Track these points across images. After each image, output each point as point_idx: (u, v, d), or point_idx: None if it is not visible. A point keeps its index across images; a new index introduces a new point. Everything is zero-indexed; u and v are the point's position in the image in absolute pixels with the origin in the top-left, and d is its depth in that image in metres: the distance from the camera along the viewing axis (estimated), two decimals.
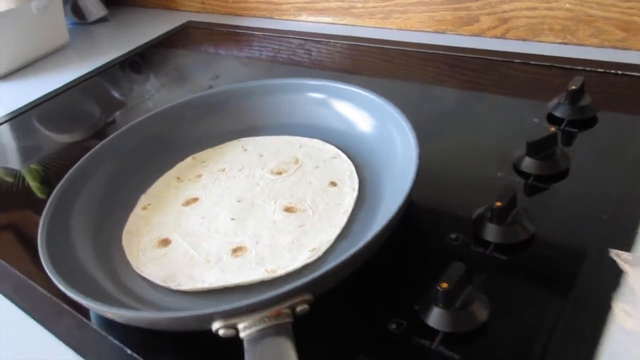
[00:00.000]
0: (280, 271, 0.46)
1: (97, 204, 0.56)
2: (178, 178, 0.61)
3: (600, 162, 0.52)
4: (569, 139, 0.56)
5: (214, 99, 0.68)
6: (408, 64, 0.82)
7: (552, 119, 0.60)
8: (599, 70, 0.67)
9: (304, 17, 1.01)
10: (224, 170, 0.61)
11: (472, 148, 0.59)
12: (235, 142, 0.66)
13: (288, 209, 0.53)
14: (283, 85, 0.66)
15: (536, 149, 0.51)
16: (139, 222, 0.56)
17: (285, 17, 1.04)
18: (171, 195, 0.59)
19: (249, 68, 0.90)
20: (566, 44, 0.74)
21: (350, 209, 0.51)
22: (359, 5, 0.92)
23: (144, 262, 0.50)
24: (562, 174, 0.51)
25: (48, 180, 0.71)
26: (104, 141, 0.61)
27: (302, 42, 0.95)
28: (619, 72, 0.65)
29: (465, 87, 0.73)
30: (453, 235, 0.47)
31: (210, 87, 0.85)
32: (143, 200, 0.59)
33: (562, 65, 0.70)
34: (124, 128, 0.63)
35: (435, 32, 0.86)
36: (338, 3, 0.94)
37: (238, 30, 1.05)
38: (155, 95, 0.88)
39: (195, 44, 1.07)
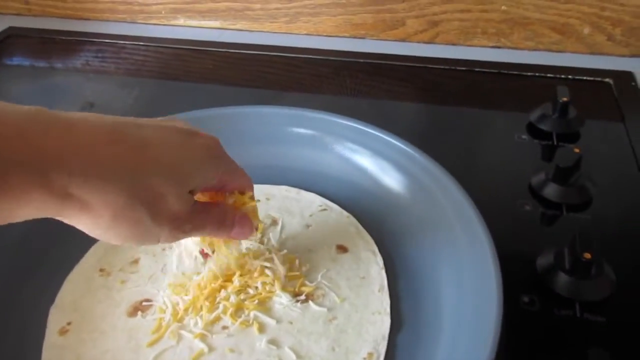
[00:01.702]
0: None
1: None
2: (102, 270, 0.41)
3: (616, 181, 0.49)
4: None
5: None
6: (320, 75, 0.71)
7: (533, 131, 0.55)
8: (547, 75, 0.64)
9: (181, 22, 0.82)
10: (171, 247, 0.42)
11: (472, 172, 0.50)
12: None
13: (302, 298, 0.38)
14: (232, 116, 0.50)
15: (565, 174, 0.45)
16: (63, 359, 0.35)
17: (154, 22, 0.83)
18: (101, 302, 0.39)
19: (129, 91, 0.69)
20: (499, 47, 0.71)
21: (385, 283, 0.39)
22: (257, 6, 0.77)
23: None
24: (589, 201, 0.46)
25: None
26: None
27: (178, 52, 0.77)
28: (570, 76, 0.64)
29: (391, 97, 0.66)
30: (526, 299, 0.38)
31: None
32: (56, 317, 0.38)
33: (503, 71, 0.66)
34: None
35: (353, 37, 0.76)
36: (228, 3, 0.78)
37: (85, 39, 0.81)
38: None
39: (28, 58, 0.80)
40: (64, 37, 0.81)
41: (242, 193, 0.36)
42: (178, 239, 0.31)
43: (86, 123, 0.26)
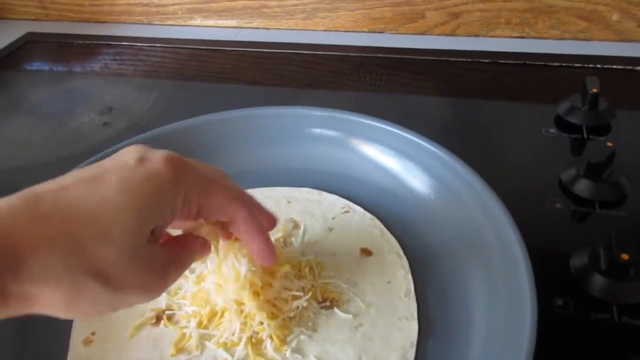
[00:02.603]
0: None
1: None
2: None
3: None
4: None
5: (157, 144, 0.47)
6: (338, 71, 0.69)
7: (562, 125, 0.53)
8: (574, 64, 0.62)
9: (197, 22, 0.81)
10: None
11: (498, 169, 0.49)
12: None
13: (326, 304, 0.37)
14: (246, 117, 0.49)
15: (598, 170, 0.43)
16: None
17: (170, 23, 0.83)
18: (124, 311, 0.38)
19: (148, 93, 0.68)
20: (523, 37, 0.69)
21: (412, 287, 0.38)
22: (273, 3, 0.76)
23: None
24: (624, 198, 0.44)
25: None
26: None
27: (195, 52, 0.76)
28: (598, 65, 0.61)
29: (412, 92, 0.64)
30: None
31: (106, 124, 0.62)
32: (80, 327, 0.37)
33: (529, 62, 0.64)
34: None
35: (372, 32, 0.74)
36: (244, 2, 0.77)
37: (102, 42, 0.81)
38: (28, 149, 0.61)
39: (47, 63, 0.81)
40: (81, 41, 0.82)
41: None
42: (164, 289, 0.28)
43: (10, 211, 0.23)
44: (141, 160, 0.26)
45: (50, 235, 0.23)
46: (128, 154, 0.27)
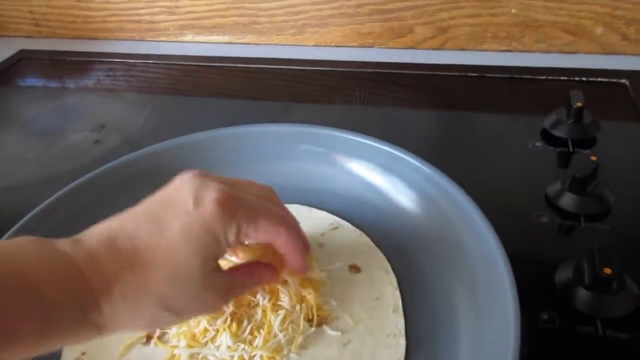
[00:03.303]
0: None
1: None
2: None
3: (635, 189, 0.47)
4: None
5: (147, 162, 0.49)
6: (329, 85, 0.70)
7: (548, 138, 0.54)
8: (560, 77, 0.63)
9: (189, 38, 0.82)
10: None
11: (484, 182, 0.49)
12: None
13: (316, 320, 0.37)
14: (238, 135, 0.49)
15: (582, 184, 0.44)
16: None
17: (162, 39, 0.84)
18: None
19: (140, 110, 0.69)
20: (510, 51, 0.70)
21: (400, 304, 0.38)
22: (264, 19, 0.77)
23: None
24: (608, 211, 0.45)
25: None
26: None
27: (187, 68, 0.77)
28: (584, 78, 0.62)
29: (401, 105, 0.65)
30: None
31: (97, 142, 0.63)
32: (70, 348, 0.38)
33: (516, 75, 0.65)
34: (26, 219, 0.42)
35: (361, 46, 0.75)
36: (235, 18, 0.78)
37: (95, 59, 0.82)
38: (21, 166, 0.62)
39: (40, 79, 0.81)
40: (74, 58, 0.82)
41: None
42: (223, 306, 0.35)
43: (104, 252, 0.29)
44: (197, 202, 0.30)
45: (134, 279, 0.28)
46: (185, 192, 0.31)
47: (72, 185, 0.47)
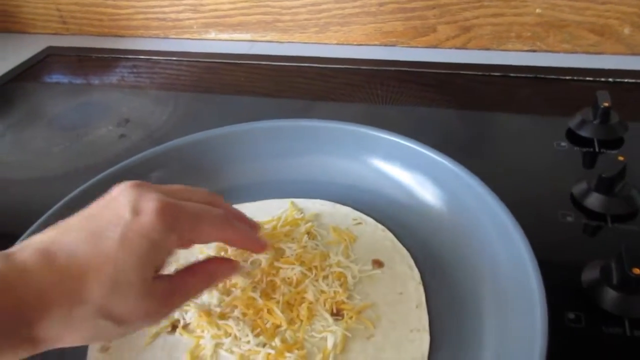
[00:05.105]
0: None
1: None
2: None
3: None
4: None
5: (171, 155, 0.50)
6: (351, 84, 0.70)
7: (573, 138, 0.53)
8: (585, 78, 0.62)
9: (212, 35, 0.83)
10: None
11: (509, 182, 0.49)
12: None
13: (337, 312, 0.37)
14: (260, 131, 0.50)
15: (609, 184, 0.43)
16: None
17: (186, 37, 0.85)
18: None
19: (164, 106, 0.70)
20: (535, 51, 0.69)
21: (423, 299, 0.38)
22: (286, 17, 0.77)
23: None
24: (635, 212, 0.44)
25: None
26: None
27: (210, 65, 0.78)
28: (610, 79, 0.61)
29: (423, 104, 0.65)
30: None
31: (122, 136, 0.64)
32: None
33: (540, 75, 0.64)
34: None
35: (384, 45, 0.75)
36: (258, 16, 0.78)
37: (120, 56, 0.83)
38: (48, 160, 0.63)
39: (66, 76, 0.83)
40: (100, 55, 0.84)
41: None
42: (168, 314, 0.32)
43: (37, 265, 0.28)
44: (135, 212, 0.30)
45: (69, 289, 0.27)
46: (121, 203, 0.31)
47: (98, 176, 0.47)
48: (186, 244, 0.32)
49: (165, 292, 0.31)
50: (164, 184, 0.34)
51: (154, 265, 0.30)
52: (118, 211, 0.30)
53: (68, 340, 0.28)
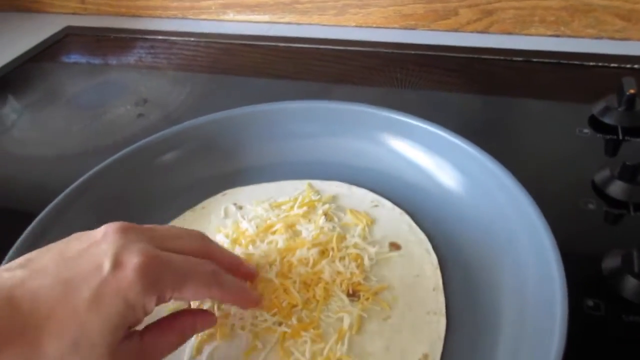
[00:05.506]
0: None
1: None
2: None
3: None
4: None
5: (189, 135, 0.50)
6: (369, 67, 0.70)
7: (596, 125, 0.52)
8: (610, 64, 0.61)
9: (230, 16, 0.82)
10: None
11: (529, 168, 0.48)
12: (218, 197, 0.47)
13: (353, 293, 0.37)
14: (276, 112, 0.50)
15: (633, 172, 0.43)
16: None
17: (204, 17, 0.84)
18: None
19: (181, 86, 0.70)
20: (559, 36, 0.68)
21: (440, 283, 0.38)
22: None
23: None
24: None
25: None
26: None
27: (228, 46, 0.78)
28: (636, 66, 0.60)
29: (443, 89, 0.64)
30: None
31: (140, 115, 0.64)
32: None
33: (563, 61, 0.63)
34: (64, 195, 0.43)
35: (404, 28, 0.74)
36: None
37: (138, 36, 0.83)
38: (67, 138, 0.63)
39: (84, 56, 0.83)
40: (118, 35, 0.84)
41: None
42: None
43: None
44: (115, 265, 0.27)
45: (27, 341, 0.25)
46: (102, 251, 0.28)
47: (118, 154, 0.48)
48: (166, 301, 0.30)
49: (135, 355, 0.29)
50: (153, 226, 0.32)
51: (126, 326, 0.28)
52: (97, 261, 0.28)
53: None
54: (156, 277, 0.28)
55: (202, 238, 0.34)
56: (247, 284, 0.37)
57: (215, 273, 0.31)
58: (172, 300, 0.30)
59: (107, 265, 0.27)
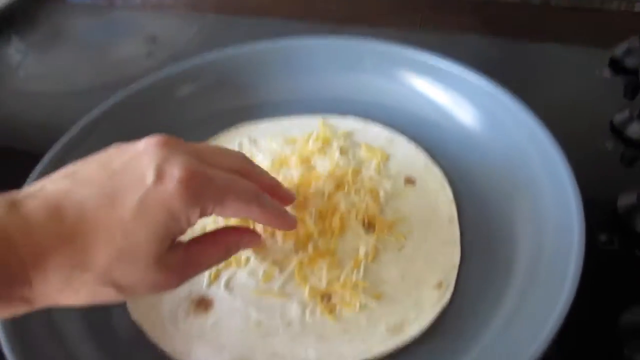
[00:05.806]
0: (412, 328, 0.32)
1: None
2: None
3: None
4: None
5: (205, 70, 0.49)
6: (383, 7, 0.68)
7: (616, 68, 0.51)
8: (633, 10, 0.59)
9: None
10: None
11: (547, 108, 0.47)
12: (232, 131, 0.47)
13: (368, 225, 0.38)
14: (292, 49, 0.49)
15: None
16: None
17: None
18: None
19: (191, 27, 0.68)
20: None
21: (455, 215, 0.38)
22: None
23: (183, 340, 0.33)
24: None
25: None
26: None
27: None
28: None
29: (459, 31, 0.62)
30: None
31: (150, 54, 0.63)
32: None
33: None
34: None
35: None
36: None
37: None
38: (76, 75, 0.62)
39: None
40: None
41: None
42: (179, 285, 0.29)
43: (43, 220, 0.25)
44: (158, 177, 0.27)
45: (72, 252, 0.25)
46: (145, 163, 0.28)
47: (133, 86, 0.47)
48: (208, 216, 0.29)
49: (178, 265, 0.29)
50: (194, 143, 0.31)
51: (171, 237, 0.28)
52: (141, 172, 0.27)
53: (63, 301, 0.26)
54: (199, 190, 0.28)
55: (244, 158, 0.33)
56: None
57: (256, 192, 0.31)
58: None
59: (150, 177, 0.27)
